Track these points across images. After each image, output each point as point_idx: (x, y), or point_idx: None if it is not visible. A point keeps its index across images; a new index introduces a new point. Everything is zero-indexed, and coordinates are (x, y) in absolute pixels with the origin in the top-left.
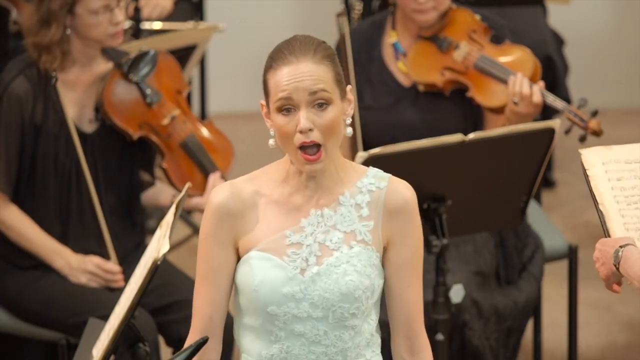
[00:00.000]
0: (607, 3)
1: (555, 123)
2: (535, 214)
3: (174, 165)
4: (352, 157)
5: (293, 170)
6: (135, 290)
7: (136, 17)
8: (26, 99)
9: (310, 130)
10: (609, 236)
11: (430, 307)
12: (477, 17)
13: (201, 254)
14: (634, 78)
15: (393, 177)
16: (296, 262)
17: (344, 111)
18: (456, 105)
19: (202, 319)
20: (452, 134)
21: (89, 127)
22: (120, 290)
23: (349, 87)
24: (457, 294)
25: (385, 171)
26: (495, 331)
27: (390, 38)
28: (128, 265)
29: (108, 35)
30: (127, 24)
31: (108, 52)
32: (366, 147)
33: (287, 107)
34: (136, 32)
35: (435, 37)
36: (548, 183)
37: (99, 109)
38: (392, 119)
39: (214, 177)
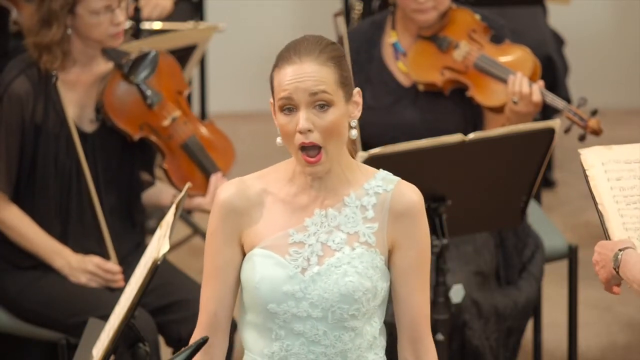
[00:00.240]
0: (607, 3)
1: (555, 123)
2: (535, 214)
3: (175, 166)
4: (352, 157)
5: (299, 169)
6: (135, 290)
7: (136, 17)
8: (27, 99)
9: (310, 131)
10: (609, 236)
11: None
12: (477, 16)
13: (207, 250)
14: (634, 78)
15: (401, 181)
16: (298, 261)
17: (349, 114)
18: (456, 105)
19: (207, 315)
20: (452, 134)
21: (89, 127)
22: (120, 290)
23: (356, 90)
24: (457, 294)
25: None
26: (495, 331)
27: (390, 38)
28: (128, 265)
29: (109, 36)
30: (127, 24)
31: (108, 52)
32: (366, 147)
33: (288, 107)
34: (136, 32)
35: (435, 37)
36: (548, 183)
37: (99, 109)
38: (392, 118)
39: (215, 178)
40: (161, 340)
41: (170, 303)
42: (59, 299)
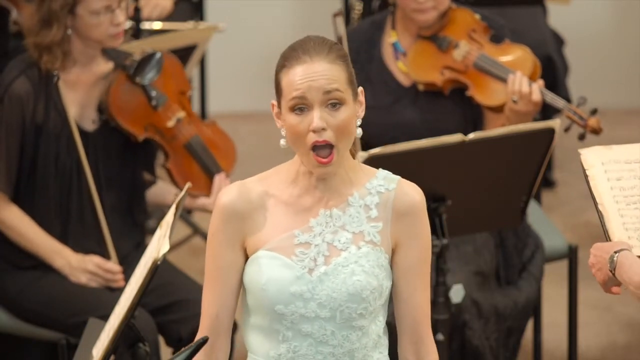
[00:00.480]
0: (607, 3)
1: (555, 123)
2: (535, 214)
3: (178, 166)
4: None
5: (303, 170)
6: (135, 290)
7: (136, 17)
8: (27, 100)
9: (324, 129)
10: (609, 236)
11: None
12: (477, 16)
13: (209, 253)
14: (634, 78)
15: (402, 180)
16: (304, 261)
17: (356, 112)
18: (456, 104)
19: (209, 318)
20: (452, 134)
21: (90, 127)
22: (120, 290)
23: (360, 89)
24: (457, 294)
25: None
26: (495, 331)
27: (390, 38)
28: (128, 265)
29: (109, 36)
30: (127, 24)
31: (109, 53)
32: (366, 147)
33: (300, 107)
34: (136, 32)
35: (435, 37)
36: (548, 183)
37: (103, 110)
38: (392, 118)
39: (219, 178)
40: (161, 340)
41: (170, 303)
42: (59, 299)
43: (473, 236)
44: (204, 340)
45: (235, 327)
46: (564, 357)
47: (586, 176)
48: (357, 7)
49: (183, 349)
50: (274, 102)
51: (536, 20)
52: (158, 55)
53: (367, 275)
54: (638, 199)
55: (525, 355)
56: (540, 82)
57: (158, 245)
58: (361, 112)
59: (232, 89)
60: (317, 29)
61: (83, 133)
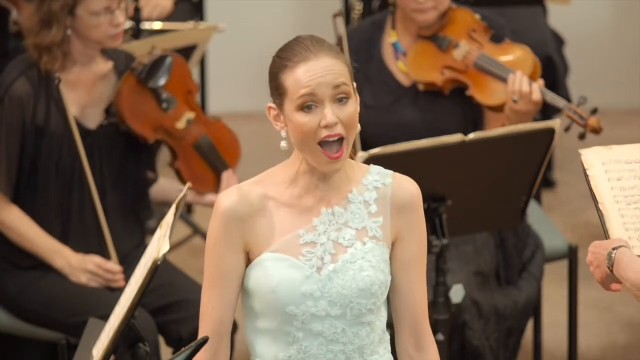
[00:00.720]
0: (607, 3)
1: (555, 123)
2: (535, 214)
3: (187, 165)
4: (352, 157)
5: (303, 170)
6: (135, 290)
7: (136, 17)
8: (27, 100)
9: (335, 124)
10: (609, 236)
11: (430, 307)
12: (477, 16)
13: (210, 259)
14: (634, 78)
15: (396, 174)
16: (312, 260)
17: (357, 106)
18: (456, 104)
19: (213, 323)
20: (452, 134)
21: (91, 126)
22: (120, 290)
23: (355, 84)
24: (457, 294)
25: None
26: (495, 331)
27: (390, 38)
28: (128, 265)
29: (108, 37)
30: (127, 24)
31: (109, 53)
32: (366, 147)
33: (308, 104)
34: (136, 32)
35: (435, 37)
36: (548, 183)
37: (112, 113)
38: (392, 118)
39: (227, 175)
40: (161, 340)
41: (170, 303)
42: (59, 299)
43: (473, 236)
44: (204, 340)
45: (235, 327)
46: (564, 357)
47: (586, 176)
48: (357, 7)
49: (183, 349)
50: (271, 104)
51: (536, 20)
52: (169, 59)
53: (375, 270)
54: (638, 199)
55: (525, 355)
56: (541, 81)
57: (158, 245)
58: (358, 106)
59: (232, 89)
60: (317, 29)
61: (84, 132)
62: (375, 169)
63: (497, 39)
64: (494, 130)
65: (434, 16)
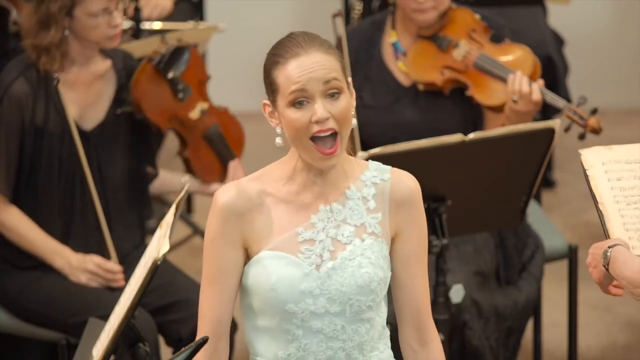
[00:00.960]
0: (607, 3)
1: (555, 123)
2: (535, 214)
3: (196, 154)
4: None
5: (300, 167)
6: (135, 290)
7: (136, 17)
8: (26, 101)
9: (327, 119)
10: (609, 236)
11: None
12: (477, 16)
13: (208, 255)
14: (634, 78)
15: (395, 169)
16: (311, 258)
17: (351, 101)
18: (456, 104)
19: (212, 321)
20: (452, 134)
21: (90, 125)
22: (120, 290)
23: (349, 79)
24: (457, 294)
25: None
26: (495, 331)
27: (390, 37)
28: (128, 264)
29: (106, 38)
30: (127, 24)
31: (107, 51)
32: (366, 147)
33: (300, 100)
34: (136, 32)
35: (435, 37)
36: (548, 183)
37: (127, 102)
38: (392, 118)
39: (234, 164)
40: (161, 340)
41: (170, 303)
42: (59, 299)
43: (473, 236)
44: (204, 340)
45: (235, 327)
46: (564, 357)
47: (586, 176)
48: (357, 7)
49: (183, 349)
50: (266, 101)
51: (536, 20)
52: (187, 51)
53: (374, 266)
54: (638, 199)
55: (525, 355)
56: (540, 81)
57: (158, 245)
58: (353, 101)
59: (232, 89)
60: (317, 29)
61: (83, 133)
62: (374, 164)
63: (497, 39)
64: (494, 130)
65: (434, 16)
